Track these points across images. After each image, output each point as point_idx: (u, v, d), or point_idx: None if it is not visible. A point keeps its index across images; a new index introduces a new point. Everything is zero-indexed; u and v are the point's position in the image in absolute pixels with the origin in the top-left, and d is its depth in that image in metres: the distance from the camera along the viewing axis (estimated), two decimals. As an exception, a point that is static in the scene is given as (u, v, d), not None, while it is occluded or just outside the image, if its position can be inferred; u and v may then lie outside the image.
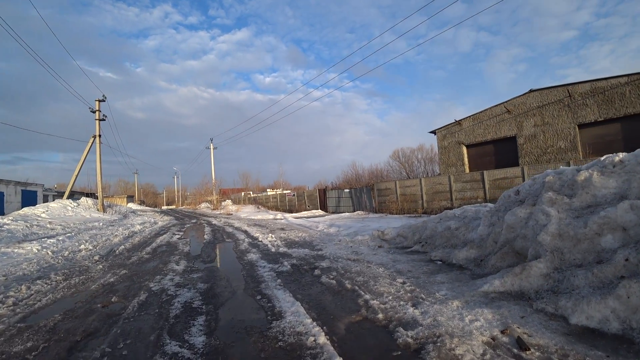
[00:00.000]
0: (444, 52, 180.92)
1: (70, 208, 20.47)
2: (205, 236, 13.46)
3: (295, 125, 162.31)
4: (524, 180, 17.71)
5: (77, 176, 23.18)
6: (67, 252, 9.66)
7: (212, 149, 41.09)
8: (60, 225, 15.63)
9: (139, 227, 17.61)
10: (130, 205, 52.98)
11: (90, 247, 10.74)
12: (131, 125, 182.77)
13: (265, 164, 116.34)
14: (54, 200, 22.91)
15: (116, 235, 13.85)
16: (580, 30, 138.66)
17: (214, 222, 21.95)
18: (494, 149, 21.87)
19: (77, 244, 11.16)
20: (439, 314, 3.79)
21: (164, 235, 14.22)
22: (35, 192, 36.11)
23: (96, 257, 8.97)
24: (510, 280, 4.61)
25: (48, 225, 15.02)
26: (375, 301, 4.33)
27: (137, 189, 78.69)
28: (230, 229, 16.07)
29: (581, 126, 19.24)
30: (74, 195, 32.22)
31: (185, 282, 5.94)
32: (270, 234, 12.46)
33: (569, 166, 16.90)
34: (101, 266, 7.79)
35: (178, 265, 7.66)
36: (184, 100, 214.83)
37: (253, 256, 8.14)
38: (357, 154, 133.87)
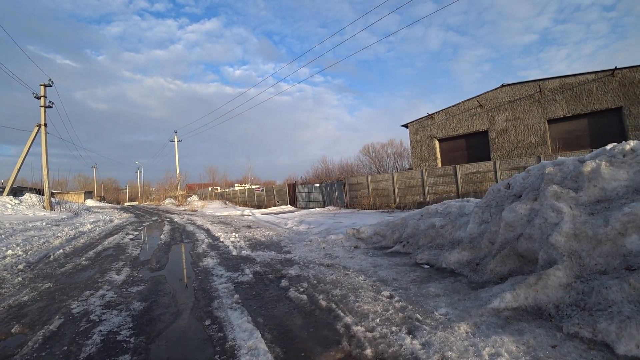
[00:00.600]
0: (414, 50, 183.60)
1: (10, 206, 18.26)
2: (162, 236, 12.03)
3: (265, 119, 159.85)
4: (496, 174, 17.39)
5: (19, 170, 20.82)
6: (-14, 259, 8.06)
7: (176, 142, 38.82)
8: (-6, 225, 13.67)
9: (89, 226, 15.84)
10: (88, 201, 49.63)
11: (20, 253, 9.12)
12: (92, 116, 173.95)
13: (234, 158, 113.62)
14: (-4, 197, 20.53)
15: (58, 237, 12.15)
16: (540, 34, 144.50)
17: (176, 219, 20.34)
18: (466, 143, 21.51)
19: (4, 248, 9.48)
20: (447, 347, 2.82)
21: (115, 236, 12.65)
22: (-22, 188, 32.77)
23: (21, 266, 7.45)
24: (523, 293, 3.71)
25: (-22, 226, 13.07)
26: (359, 327, 3.31)
27: (97, 184, 74.31)
28: (191, 228, 14.65)
29: (550, 121, 19.14)
30: (22, 191, 29.40)
31: (118, 301, 4.69)
32: (233, 233, 11.22)
33: (540, 161, 16.54)
34: (21, 278, 6.34)
35: (119, 274, 6.35)
36: (149, 92, 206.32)
37: (210, 261, 6.93)
38: (328, 149, 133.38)
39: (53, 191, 55.06)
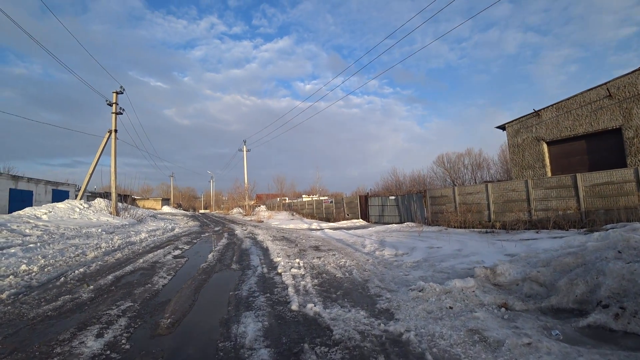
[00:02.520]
0: (488, 56, 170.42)
1: (78, 210, 17.41)
2: (211, 256, 9.44)
3: (334, 131, 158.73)
4: (639, 186, 12.54)
5: (91, 175, 20.33)
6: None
7: (245, 151, 37.72)
8: (45, 230, 12.27)
9: (143, 235, 14.06)
10: (165, 208, 50.93)
11: (35, 269, 7.01)
12: (178, 131, 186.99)
13: (302, 170, 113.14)
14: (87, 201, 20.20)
15: (99, 247, 10.19)
16: None
17: (238, 231, 18.11)
18: (586, 146, 16.56)
19: (25, 260, 7.50)
20: None
21: (160, 251, 10.40)
22: (67, 192, 34.25)
23: (4, 294, 5.18)
24: None
25: (27, 231, 11.68)
26: None
27: (173, 192, 77.47)
28: (248, 244, 12.04)
29: None
30: (108, 196, 29.82)
31: None
32: (297, 260, 8.18)
33: None
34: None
35: (99, 337, 3.60)
36: (227, 107, 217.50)
37: (252, 326, 3.88)
38: (396, 161, 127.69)
39: (135, 197, 57.98)
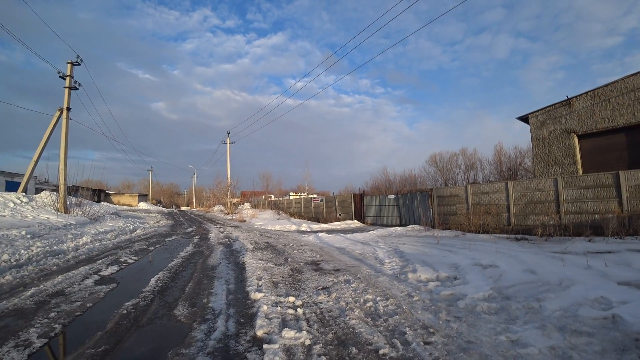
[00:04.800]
0: (480, 59, 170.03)
1: (12, 205, 13.57)
2: (153, 281, 5.96)
3: (324, 130, 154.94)
4: None
5: (36, 162, 16.27)
6: None
7: (228, 144, 33.84)
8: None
9: (86, 239, 10.49)
10: (142, 204, 46.51)
11: None
12: (166, 125, 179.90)
13: (290, 168, 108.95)
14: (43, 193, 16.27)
15: (-9, 264, 6.61)
16: (626, 35, 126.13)
17: (212, 234, 14.57)
18: (627, 139, 13.73)
19: None
20: None
21: (85, 268, 6.88)
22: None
23: None
24: None
25: None
26: None
27: (155, 188, 72.57)
28: (219, 256, 8.61)
29: None
30: (79, 190, 25.61)
31: None
32: (291, 297, 4.73)
33: None
34: None
35: None
36: (216, 103, 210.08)
37: None
38: (385, 161, 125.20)
39: (109, 192, 53.31)
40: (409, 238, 12.64)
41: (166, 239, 12.53)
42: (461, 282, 5.59)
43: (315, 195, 31.99)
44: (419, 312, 4.01)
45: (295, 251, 9.01)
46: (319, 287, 5.10)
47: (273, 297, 4.52)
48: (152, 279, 5.92)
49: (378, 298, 4.47)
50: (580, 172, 14.46)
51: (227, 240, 12.11)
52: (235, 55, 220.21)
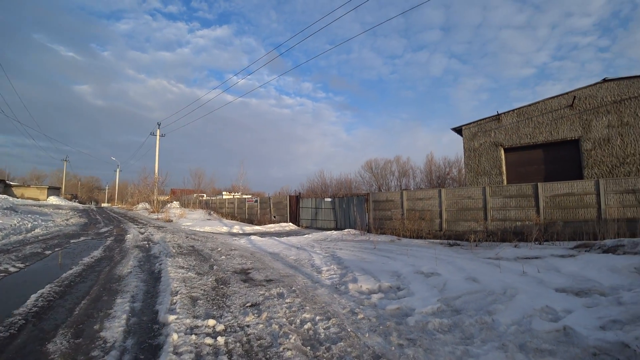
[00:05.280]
0: (417, 75, 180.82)
1: None
2: (33, 297, 4.63)
3: (262, 130, 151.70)
4: (599, 198, 10.93)
5: None
6: None
7: (158, 136, 30.73)
8: None
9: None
10: (52, 199, 40.80)
11: None
12: (89, 112, 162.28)
13: (226, 167, 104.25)
14: None
15: None
16: (538, 68, 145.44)
17: (130, 235, 12.78)
18: (544, 155, 14.86)
19: None
20: None
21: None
22: None
23: None
24: None
25: None
26: None
27: (72, 181, 64.71)
28: (133, 263, 7.27)
29: (674, 131, 12.73)
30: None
31: None
32: (210, 319, 3.79)
33: None
34: None
35: None
36: (151, 92, 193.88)
37: None
38: (322, 165, 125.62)
39: (11, 183, 45.98)
40: (345, 243, 12.21)
41: (71, 241, 10.59)
42: (406, 293, 5.10)
43: (249, 196, 30.63)
44: (367, 334, 3.35)
45: (224, 257, 7.94)
46: (247, 304, 4.22)
47: (188, 320, 3.56)
48: (32, 295, 4.55)
49: (318, 317, 3.74)
50: (505, 182, 15.33)
51: (146, 243, 10.56)
52: (175, 43, 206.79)
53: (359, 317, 3.89)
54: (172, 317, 3.58)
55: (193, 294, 4.64)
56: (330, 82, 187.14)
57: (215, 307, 4.12)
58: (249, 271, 6.34)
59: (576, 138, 14.03)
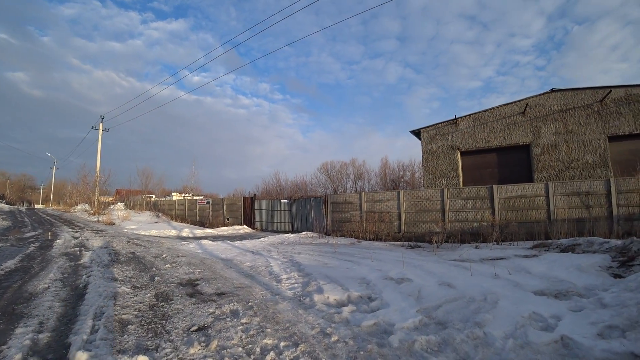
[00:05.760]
0: (373, 81, 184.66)
1: None
2: None
3: (216, 130, 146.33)
4: (548, 200, 11.38)
5: None
6: None
7: (100, 130, 27.77)
8: None
9: None
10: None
11: None
12: (23, 102, 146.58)
13: (176, 167, 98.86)
14: None
15: None
16: (484, 82, 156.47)
17: (61, 240, 11.07)
18: (497, 159, 15.20)
19: None
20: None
21: None
22: None
23: None
24: None
25: None
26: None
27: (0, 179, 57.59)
28: (55, 275, 5.99)
29: (612, 138, 13.55)
30: None
31: None
32: (140, 355, 2.93)
33: (609, 185, 10.62)
34: None
35: None
36: (97, 85, 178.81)
37: None
38: (277, 167, 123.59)
39: None
40: (303, 246, 11.49)
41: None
42: (379, 304, 4.47)
43: (201, 197, 28.86)
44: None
45: (168, 265, 6.85)
46: (193, 328, 3.34)
47: (110, 359, 2.61)
48: None
49: (282, 343, 2.98)
50: (462, 184, 15.49)
51: (77, 250, 9.06)
52: (126, 33, 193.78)
53: (332, 339, 3.17)
54: (85, 356, 2.61)
55: (123, 316, 3.66)
56: (288, 84, 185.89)
57: (150, 335, 3.19)
58: (197, 282, 5.38)
59: (527, 143, 14.49)
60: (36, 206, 56.69)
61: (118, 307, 3.91)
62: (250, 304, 4.18)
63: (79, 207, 32.48)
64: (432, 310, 4.13)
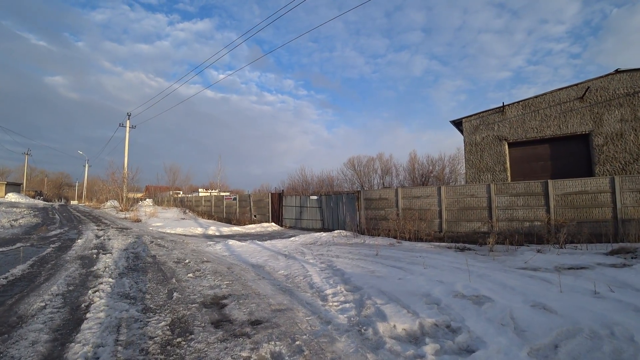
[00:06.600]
0: (398, 74, 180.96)
1: None
2: None
3: (242, 127, 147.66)
4: (614, 197, 9.62)
5: None
6: None
7: (127, 127, 27.71)
8: None
9: None
10: (10, 196, 36.82)
11: None
12: (61, 105, 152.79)
13: (203, 164, 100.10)
14: None
15: None
16: (514, 72, 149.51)
17: (82, 239, 10.46)
18: (550, 150, 13.52)
19: None
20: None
21: None
22: None
23: None
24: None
25: None
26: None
27: (39, 177, 59.77)
28: (57, 289, 5.15)
29: (692, 126, 11.65)
30: None
31: None
32: None
33: None
34: None
35: None
36: (127, 86, 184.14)
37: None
38: (302, 162, 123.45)
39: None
40: (339, 247, 10.37)
41: (-1, 248, 8.22)
42: (468, 338, 3.30)
43: (227, 193, 28.28)
44: None
45: (191, 275, 5.86)
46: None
47: None
48: None
49: None
50: (510, 179, 13.92)
51: (95, 252, 8.30)
52: (154, 35, 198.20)
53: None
54: None
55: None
56: (312, 80, 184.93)
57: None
58: (224, 302, 4.35)
59: (586, 132, 12.74)
60: (71, 202, 58.35)
61: (119, 347, 2.92)
62: (297, 342, 3.09)
63: (108, 203, 32.74)
64: (549, 352, 2.93)
